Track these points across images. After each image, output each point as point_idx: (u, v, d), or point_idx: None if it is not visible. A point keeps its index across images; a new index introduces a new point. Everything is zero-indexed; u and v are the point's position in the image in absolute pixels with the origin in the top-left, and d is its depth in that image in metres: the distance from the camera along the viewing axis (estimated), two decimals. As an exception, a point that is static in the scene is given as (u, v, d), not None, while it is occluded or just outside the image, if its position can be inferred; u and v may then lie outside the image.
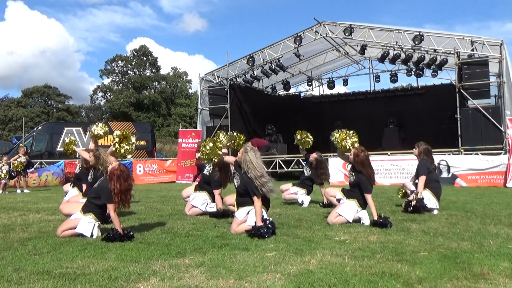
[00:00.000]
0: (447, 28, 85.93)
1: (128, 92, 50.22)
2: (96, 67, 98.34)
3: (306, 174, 8.35)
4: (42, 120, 43.61)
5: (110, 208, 4.90)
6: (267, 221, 4.95)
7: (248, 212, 5.11)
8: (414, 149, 7.20)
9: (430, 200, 6.63)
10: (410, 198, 6.68)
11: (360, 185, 5.77)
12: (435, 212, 6.53)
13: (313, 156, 8.19)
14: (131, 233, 4.87)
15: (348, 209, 5.73)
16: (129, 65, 52.95)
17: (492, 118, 13.52)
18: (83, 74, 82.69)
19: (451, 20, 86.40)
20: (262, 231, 4.77)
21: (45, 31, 74.89)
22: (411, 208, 6.50)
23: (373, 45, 16.63)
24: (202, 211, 6.78)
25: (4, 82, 73.26)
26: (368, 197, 5.70)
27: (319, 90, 22.97)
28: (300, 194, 8.18)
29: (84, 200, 5.68)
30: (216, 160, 6.10)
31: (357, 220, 5.70)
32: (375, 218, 5.50)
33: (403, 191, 7.27)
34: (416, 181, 6.97)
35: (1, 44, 70.18)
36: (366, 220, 5.62)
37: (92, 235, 4.94)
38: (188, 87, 54.96)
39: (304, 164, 8.79)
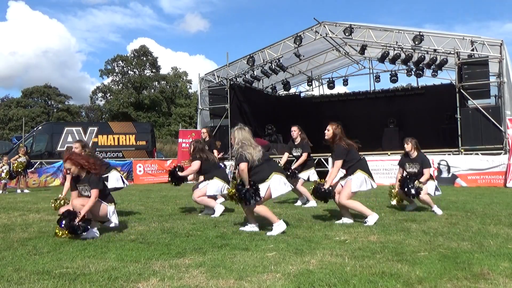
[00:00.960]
0: (446, 28, 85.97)
1: (127, 92, 50.24)
2: (97, 68, 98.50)
3: (299, 153, 8.17)
4: (42, 120, 43.68)
5: (94, 194, 4.98)
6: (253, 187, 5.14)
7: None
8: (405, 145, 7.22)
9: (434, 185, 7.02)
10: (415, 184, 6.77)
11: (334, 153, 5.85)
12: (439, 212, 6.53)
13: (296, 131, 8.22)
14: (87, 226, 4.86)
15: (355, 181, 5.72)
16: (129, 65, 52.97)
17: (492, 118, 13.52)
18: (84, 75, 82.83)
19: (450, 20, 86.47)
20: (246, 193, 5.03)
21: (47, 32, 75.10)
22: (413, 190, 6.61)
23: (373, 45, 16.62)
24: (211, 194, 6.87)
25: (6, 82, 73.45)
26: (335, 163, 5.82)
27: (319, 90, 22.98)
28: (312, 174, 8.17)
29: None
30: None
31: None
32: (326, 186, 5.68)
33: (395, 192, 7.17)
34: (405, 173, 7.19)
35: (3, 44, 70.36)
36: (371, 221, 5.58)
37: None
38: (188, 87, 55.04)
39: (294, 151, 8.51)
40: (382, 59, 17.03)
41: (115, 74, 52.92)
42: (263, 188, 5.11)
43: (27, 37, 72.89)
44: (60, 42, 75.01)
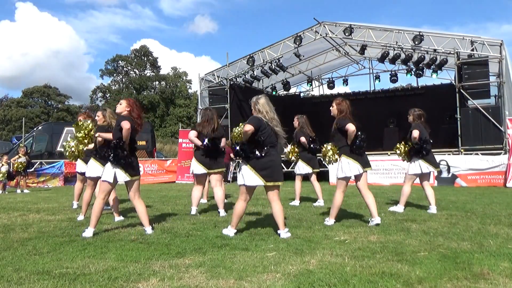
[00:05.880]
0: (444, 29, 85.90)
1: (128, 93, 50.24)
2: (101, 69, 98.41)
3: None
4: (42, 120, 43.66)
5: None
6: None
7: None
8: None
9: None
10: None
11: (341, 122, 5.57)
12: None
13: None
14: None
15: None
16: (129, 65, 52.94)
17: (492, 118, 13.51)
18: (91, 76, 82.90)
19: (448, 22, 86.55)
20: None
21: (56, 33, 75.31)
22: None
23: (373, 45, 16.61)
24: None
25: (13, 83, 73.65)
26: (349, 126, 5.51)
27: (319, 90, 22.95)
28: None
29: None
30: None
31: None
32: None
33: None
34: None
35: (12, 45, 70.56)
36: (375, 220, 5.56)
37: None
38: (188, 87, 55.04)
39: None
40: (382, 59, 17.02)
41: (115, 74, 52.93)
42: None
43: (35, 38, 73.20)
44: (69, 44, 75.37)
